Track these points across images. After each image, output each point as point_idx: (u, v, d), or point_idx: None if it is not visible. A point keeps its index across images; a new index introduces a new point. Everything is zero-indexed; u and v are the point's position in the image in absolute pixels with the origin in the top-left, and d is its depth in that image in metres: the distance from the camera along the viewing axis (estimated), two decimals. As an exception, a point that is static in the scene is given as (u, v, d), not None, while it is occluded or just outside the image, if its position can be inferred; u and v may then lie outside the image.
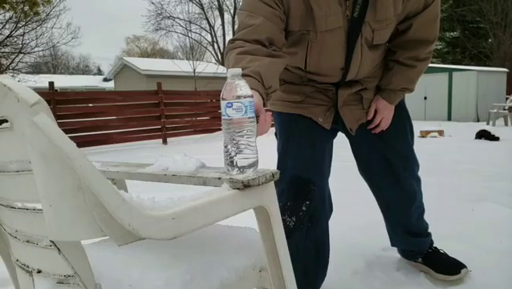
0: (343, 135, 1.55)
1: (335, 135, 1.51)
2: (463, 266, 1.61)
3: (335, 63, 1.33)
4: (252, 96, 0.90)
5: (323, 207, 1.39)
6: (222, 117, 0.90)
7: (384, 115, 1.46)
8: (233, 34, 1.22)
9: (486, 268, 1.64)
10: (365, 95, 1.46)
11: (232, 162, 0.89)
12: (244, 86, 0.89)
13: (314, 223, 1.35)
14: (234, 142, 0.89)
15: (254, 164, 0.91)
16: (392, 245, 1.76)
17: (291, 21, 1.25)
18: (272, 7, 1.19)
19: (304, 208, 1.33)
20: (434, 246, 1.72)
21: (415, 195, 1.58)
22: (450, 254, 1.69)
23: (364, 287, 1.61)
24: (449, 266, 1.62)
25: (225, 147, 0.90)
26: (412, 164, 1.56)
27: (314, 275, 1.40)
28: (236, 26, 1.36)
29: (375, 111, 1.47)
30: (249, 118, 0.89)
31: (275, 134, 1.51)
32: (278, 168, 1.38)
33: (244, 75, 0.98)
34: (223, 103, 0.89)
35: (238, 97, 0.88)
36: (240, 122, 0.88)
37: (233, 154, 0.89)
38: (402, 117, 1.54)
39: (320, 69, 1.35)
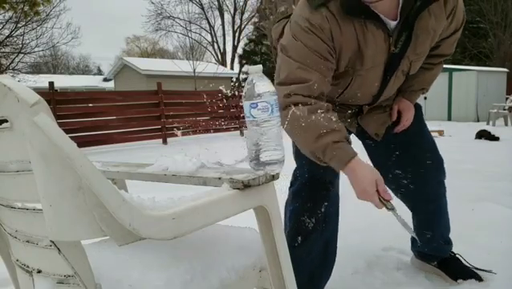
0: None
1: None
2: (479, 277, 1.58)
3: (369, 93, 1.37)
4: (276, 93, 0.88)
5: (338, 207, 1.43)
6: (247, 118, 0.87)
7: (408, 114, 1.51)
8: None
9: (486, 268, 1.64)
10: (385, 103, 1.51)
11: (259, 160, 0.88)
12: (267, 84, 0.86)
13: (328, 224, 1.38)
14: (261, 142, 0.86)
15: (281, 161, 0.89)
16: (414, 245, 1.73)
17: (341, 62, 1.25)
18: (326, 59, 1.17)
19: (323, 209, 1.35)
20: (451, 250, 1.69)
21: (442, 190, 1.58)
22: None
23: (364, 287, 1.61)
24: (465, 274, 1.60)
25: (252, 145, 0.88)
26: (440, 158, 1.56)
27: (319, 277, 1.43)
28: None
29: (399, 112, 1.51)
30: (275, 116, 0.86)
31: None
32: (297, 167, 1.41)
33: (339, 142, 1.10)
34: (246, 104, 0.85)
35: (263, 95, 0.85)
36: (266, 121, 0.85)
37: (259, 153, 0.87)
38: (420, 115, 1.58)
39: (354, 98, 1.38)
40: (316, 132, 1.11)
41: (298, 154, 1.43)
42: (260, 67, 0.89)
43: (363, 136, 1.55)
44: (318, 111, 1.13)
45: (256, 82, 0.87)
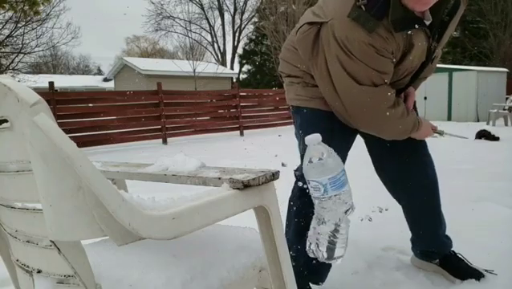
0: None
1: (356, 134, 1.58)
2: (481, 275, 1.59)
3: (398, 84, 1.41)
4: (340, 169, 0.81)
5: None
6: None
7: (413, 98, 1.57)
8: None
9: (486, 268, 1.64)
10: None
11: (314, 248, 0.85)
12: (320, 160, 0.77)
13: None
14: (319, 227, 0.82)
15: (338, 257, 0.83)
16: (414, 245, 1.74)
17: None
18: (390, 72, 1.27)
19: None
20: (452, 249, 1.70)
21: (436, 181, 1.61)
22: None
23: (364, 287, 1.61)
24: (467, 272, 1.61)
25: (319, 230, 0.84)
26: (428, 149, 1.61)
27: (319, 265, 1.45)
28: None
29: (405, 97, 1.55)
30: (330, 196, 0.79)
31: (297, 131, 1.52)
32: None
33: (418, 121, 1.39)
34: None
35: (314, 175, 0.78)
36: (321, 201, 0.80)
37: (318, 239, 0.82)
38: (416, 110, 1.61)
39: None
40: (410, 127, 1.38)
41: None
42: (318, 137, 0.82)
43: None
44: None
45: (310, 157, 0.81)
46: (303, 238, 1.39)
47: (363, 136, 1.59)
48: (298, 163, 1.47)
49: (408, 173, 1.57)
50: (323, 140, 1.40)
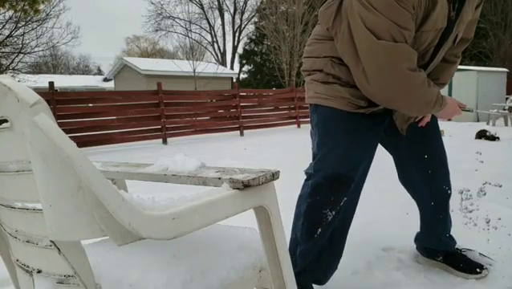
0: None
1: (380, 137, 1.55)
2: (483, 267, 1.64)
3: (421, 60, 1.36)
4: None
5: (355, 202, 1.49)
6: None
7: None
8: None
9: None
10: None
11: None
12: None
13: (344, 213, 1.45)
14: None
15: None
16: (418, 242, 1.78)
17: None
18: (412, 29, 1.22)
19: (342, 203, 1.41)
20: (456, 246, 1.74)
21: (450, 190, 1.64)
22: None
23: (364, 287, 1.61)
24: (470, 266, 1.65)
25: None
26: (446, 159, 1.65)
27: (327, 263, 1.50)
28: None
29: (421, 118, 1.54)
30: None
31: (313, 130, 1.50)
32: (319, 160, 1.42)
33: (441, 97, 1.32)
34: None
35: None
36: None
37: None
38: (435, 118, 1.61)
39: None
40: (434, 98, 1.30)
41: (320, 144, 1.43)
42: None
43: (386, 130, 1.55)
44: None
45: None
46: (313, 236, 1.40)
47: (388, 140, 1.59)
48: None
49: (433, 180, 1.60)
50: (340, 142, 1.39)
